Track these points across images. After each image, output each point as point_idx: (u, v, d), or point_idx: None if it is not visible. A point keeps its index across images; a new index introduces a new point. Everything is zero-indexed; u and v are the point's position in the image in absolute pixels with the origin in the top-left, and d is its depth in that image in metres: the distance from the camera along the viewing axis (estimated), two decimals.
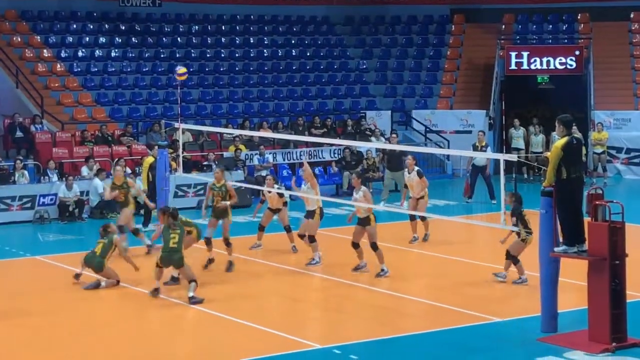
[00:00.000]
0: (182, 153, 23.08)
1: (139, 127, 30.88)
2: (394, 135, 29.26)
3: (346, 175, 29.34)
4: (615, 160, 32.49)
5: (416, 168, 21.22)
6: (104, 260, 17.16)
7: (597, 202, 13.09)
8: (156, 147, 23.30)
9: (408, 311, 15.41)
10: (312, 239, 18.78)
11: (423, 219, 20.80)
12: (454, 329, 14.22)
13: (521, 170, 30.89)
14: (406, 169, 21.44)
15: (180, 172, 22.56)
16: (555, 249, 13.43)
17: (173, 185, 24.82)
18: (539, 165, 27.33)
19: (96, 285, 17.06)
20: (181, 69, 21.82)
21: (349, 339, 13.72)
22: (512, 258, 16.71)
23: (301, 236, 19.22)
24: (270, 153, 29.72)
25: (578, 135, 14.56)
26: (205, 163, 28.19)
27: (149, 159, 23.09)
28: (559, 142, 13.29)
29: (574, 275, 15.14)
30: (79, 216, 24.89)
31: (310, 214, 19.01)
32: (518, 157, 15.62)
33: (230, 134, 29.03)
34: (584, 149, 29.81)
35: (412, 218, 20.83)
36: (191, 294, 15.60)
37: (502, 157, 14.40)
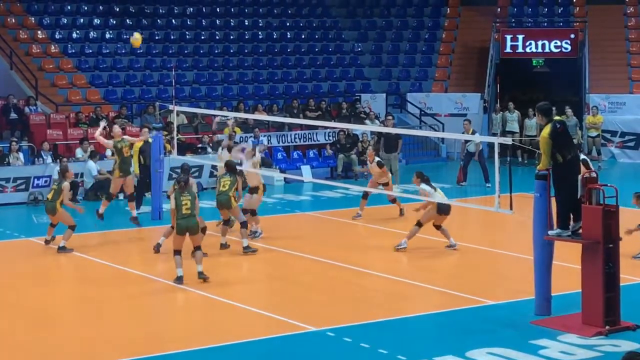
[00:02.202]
0: (177, 135, 23.05)
1: (133, 109, 30.83)
2: (390, 117, 29.23)
3: (340, 158, 29.35)
4: (610, 144, 32.52)
5: (376, 159, 21.67)
6: (55, 203, 18.37)
7: (591, 186, 13.11)
8: (145, 129, 23.27)
9: (402, 294, 15.44)
10: (253, 213, 19.41)
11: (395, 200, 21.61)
12: (448, 312, 14.25)
13: (515, 154, 30.91)
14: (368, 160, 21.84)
15: (175, 155, 22.53)
16: (550, 232, 13.46)
17: (167, 168, 24.79)
18: (533, 149, 27.37)
19: (69, 251, 18.20)
20: (136, 35, 21.86)
21: (342, 322, 13.74)
22: None
23: (245, 211, 19.22)
24: (265, 136, 29.69)
25: (561, 117, 14.56)
26: (199, 145, 28.16)
27: (139, 143, 22.93)
28: (545, 131, 13.31)
29: (568, 259, 15.18)
30: (73, 198, 24.82)
31: (253, 190, 19.38)
32: (512, 140, 15.63)
33: (225, 116, 28.99)
34: (578, 132, 30.23)
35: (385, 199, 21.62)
36: (200, 269, 15.87)
37: (497, 140, 14.39)
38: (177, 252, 15.83)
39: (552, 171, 13.32)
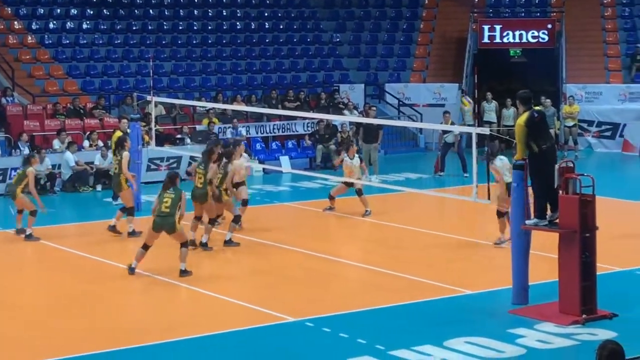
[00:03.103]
0: (155, 126, 23.00)
1: (111, 100, 30.73)
2: (373, 108, 29.26)
3: (319, 149, 29.37)
4: (587, 134, 32.68)
5: (357, 156, 21.42)
6: (16, 188, 18.63)
7: (568, 175, 13.18)
8: (124, 120, 23.21)
9: (380, 284, 15.48)
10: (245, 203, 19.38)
11: (360, 193, 20.97)
12: (425, 302, 14.30)
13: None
14: (346, 155, 21.26)
15: (153, 146, 22.49)
16: (527, 222, 13.53)
17: (146, 159, 24.74)
18: (510, 139, 27.46)
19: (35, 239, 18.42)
20: None
21: (321, 312, 13.77)
22: None
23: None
24: (243, 126, 29.67)
25: (539, 107, 14.63)
26: (178, 136, 28.11)
27: (118, 133, 22.83)
28: (521, 118, 13.38)
29: (545, 248, 15.26)
30: (51, 189, 24.77)
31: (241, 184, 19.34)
32: (490, 130, 15.69)
33: (203, 107, 28.95)
34: (557, 122, 30.34)
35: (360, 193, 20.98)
36: (183, 267, 15.51)
37: (474, 130, 14.45)
38: (145, 247, 15.65)
39: (528, 161, 13.40)
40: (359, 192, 20.88)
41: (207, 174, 17.63)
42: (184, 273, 15.48)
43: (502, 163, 17.09)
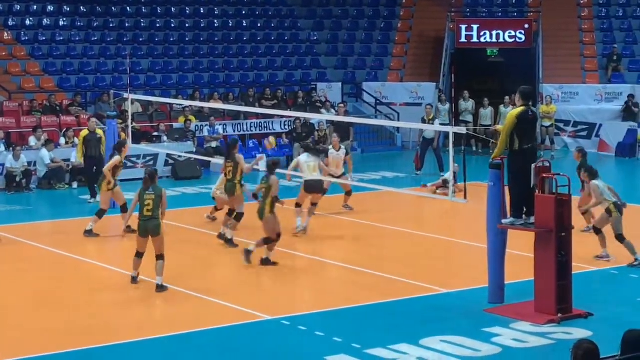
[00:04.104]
0: (132, 124, 22.91)
1: (87, 97, 30.59)
2: (341, 105, 29.32)
3: (297, 147, 29.34)
4: (563, 134, 32.81)
5: (342, 147, 21.32)
6: None
7: (544, 175, 13.23)
8: (93, 120, 23.11)
9: (357, 282, 15.49)
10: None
11: (349, 193, 21.03)
12: (401, 300, 14.32)
13: (470, 143, 31.09)
14: (331, 147, 21.36)
15: (130, 143, 22.39)
16: (503, 221, 13.57)
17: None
18: (487, 138, 27.57)
19: None
20: None
21: (297, 310, 13.78)
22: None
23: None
24: (220, 124, 29.62)
25: (534, 109, 14.70)
26: (155, 134, 28.02)
27: (84, 132, 22.68)
28: (515, 110, 13.45)
29: (521, 247, 15.31)
30: (27, 187, 24.65)
31: None
32: (467, 129, 15.72)
33: (180, 104, 28.88)
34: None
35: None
36: (160, 281, 14.67)
37: (452, 129, 14.48)
38: (138, 254, 15.01)
39: (507, 159, 13.44)
40: (349, 194, 20.97)
41: (235, 166, 17.56)
42: (160, 288, 14.66)
43: (603, 183, 16.39)
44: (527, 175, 13.27)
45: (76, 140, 25.91)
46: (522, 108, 13.42)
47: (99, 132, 22.90)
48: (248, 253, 16.38)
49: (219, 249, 17.85)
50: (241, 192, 17.82)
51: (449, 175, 22.86)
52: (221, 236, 17.89)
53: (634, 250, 16.07)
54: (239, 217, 17.87)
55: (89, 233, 18.58)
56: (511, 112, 13.54)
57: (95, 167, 22.26)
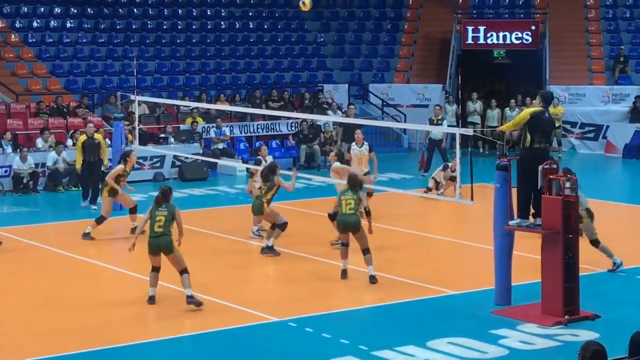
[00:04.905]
0: (138, 125, 22.93)
1: (94, 98, 30.64)
2: (352, 107, 29.31)
3: (303, 149, 29.37)
4: (570, 135, 32.78)
5: (366, 142, 21.07)
6: None
7: (551, 177, 13.21)
8: (91, 124, 23.06)
9: (363, 284, 15.47)
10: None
11: (370, 194, 19.94)
12: (408, 302, 14.31)
13: (477, 144, 31.08)
14: (354, 143, 21.15)
15: (137, 145, 22.41)
16: (510, 222, 13.55)
17: None
18: (494, 140, 27.55)
19: None
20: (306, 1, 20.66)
21: (304, 312, 13.77)
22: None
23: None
24: (227, 126, 29.64)
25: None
26: (161, 135, 28.05)
27: (82, 137, 22.45)
28: (531, 108, 13.58)
29: (528, 249, 15.29)
30: (34, 188, 24.69)
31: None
32: (474, 131, 15.72)
33: (187, 106, 28.90)
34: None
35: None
36: (189, 292, 13.90)
37: (458, 131, 14.48)
38: (154, 269, 14.24)
39: (518, 159, 13.48)
40: (370, 194, 19.56)
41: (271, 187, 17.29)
42: (190, 299, 13.92)
43: (582, 197, 15.67)
44: (535, 176, 13.27)
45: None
46: (539, 108, 13.51)
47: (98, 136, 22.53)
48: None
49: (225, 251, 17.86)
50: (269, 209, 17.60)
51: (437, 175, 22.97)
52: (266, 249, 17.48)
53: (610, 254, 15.89)
54: (284, 226, 17.54)
55: (86, 236, 18.57)
56: (526, 109, 13.66)
57: (92, 172, 22.12)
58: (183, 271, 13.97)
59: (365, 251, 15.35)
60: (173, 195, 14.44)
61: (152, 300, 14.17)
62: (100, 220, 18.72)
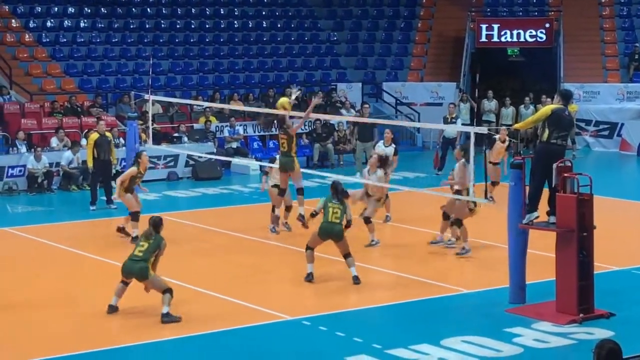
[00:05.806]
0: (152, 125, 22.95)
1: (108, 98, 30.70)
2: (366, 106, 29.28)
3: (317, 148, 29.36)
4: (584, 133, 32.67)
5: (394, 144, 21.03)
6: None
7: (565, 175, 13.17)
8: (102, 122, 23.06)
9: (376, 283, 15.46)
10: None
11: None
12: (422, 300, 14.29)
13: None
14: (382, 141, 21.13)
15: (150, 144, 22.43)
16: (524, 221, 13.51)
17: None
18: (508, 138, 27.45)
19: None
20: None
21: (318, 311, 13.76)
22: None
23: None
24: (240, 125, 29.65)
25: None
26: (175, 134, 28.08)
27: (94, 135, 22.37)
28: (553, 105, 13.57)
29: (542, 247, 15.25)
30: (48, 187, 24.74)
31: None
32: (488, 129, 15.67)
33: (200, 105, 28.92)
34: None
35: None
36: (165, 310, 13.33)
37: (473, 129, 14.43)
38: (124, 282, 13.78)
39: (535, 151, 13.47)
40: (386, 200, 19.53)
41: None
42: (165, 317, 13.32)
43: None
44: (547, 172, 13.23)
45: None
46: (559, 105, 13.50)
47: (109, 135, 22.56)
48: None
49: (238, 249, 17.86)
50: (299, 166, 18.13)
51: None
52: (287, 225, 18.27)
53: (465, 238, 16.85)
54: (302, 191, 18.02)
55: (134, 240, 17.99)
56: (548, 105, 13.68)
57: (105, 170, 22.08)
58: (165, 291, 13.40)
59: (347, 255, 15.33)
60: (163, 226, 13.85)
61: (112, 309, 13.71)
62: (135, 216, 18.26)
